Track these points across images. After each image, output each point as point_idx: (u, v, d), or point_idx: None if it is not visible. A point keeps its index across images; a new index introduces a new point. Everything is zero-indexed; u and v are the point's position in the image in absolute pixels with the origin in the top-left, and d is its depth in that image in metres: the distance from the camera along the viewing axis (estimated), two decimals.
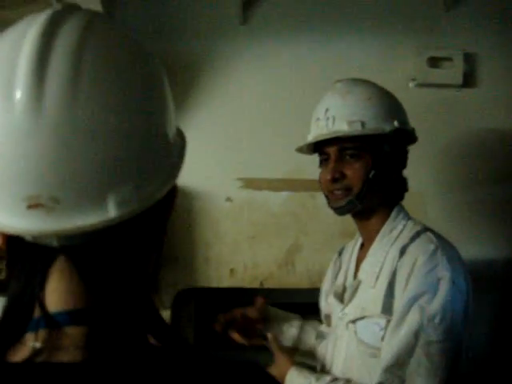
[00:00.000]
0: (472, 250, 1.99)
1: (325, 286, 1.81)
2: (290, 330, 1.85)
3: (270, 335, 1.70)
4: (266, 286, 2.25)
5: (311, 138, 1.60)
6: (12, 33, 0.63)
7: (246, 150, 2.24)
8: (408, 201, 1.64)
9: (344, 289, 1.60)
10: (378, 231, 1.54)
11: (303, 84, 2.28)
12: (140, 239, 0.69)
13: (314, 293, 2.20)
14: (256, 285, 2.25)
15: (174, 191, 0.73)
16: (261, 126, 2.25)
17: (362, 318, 1.46)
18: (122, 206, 0.61)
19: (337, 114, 1.52)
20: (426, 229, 1.50)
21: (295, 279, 2.25)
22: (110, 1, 2.05)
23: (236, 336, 1.78)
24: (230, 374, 0.66)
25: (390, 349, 1.35)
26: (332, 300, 1.66)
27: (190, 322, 2.37)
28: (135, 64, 0.67)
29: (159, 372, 0.64)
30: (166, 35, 2.24)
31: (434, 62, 2.22)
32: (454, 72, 2.20)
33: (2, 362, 0.63)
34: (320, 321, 1.84)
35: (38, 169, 0.58)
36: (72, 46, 0.59)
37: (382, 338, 1.39)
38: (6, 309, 0.66)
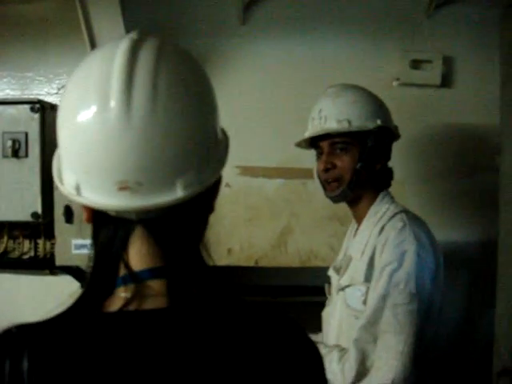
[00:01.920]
0: (446, 233, 2.17)
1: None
2: None
3: None
4: (261, 264, 2.45)
5: (307, 134, 1.83)
6: (101, 55, 0.81)
7: (244, 141, 2.38)
8: (391, 189, 1.84)
9: (341, 263, 1.84)
10: (366, 214, 1.77)
11: (297, 81, 2.46)
12: (196, 213, 0.86)
13: (303, 271, 2.41)
14: (251, 264, 2.44)
15: (220, 179, 0.89)
16: (258, 119, 2.43)
17: (349, 286, 1.70)
18: (187, 188, 0.78)
19: (328, 114, 1.75)
20: (402, 210, 1.71)
21: (287, 259, 2.44)
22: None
23: None
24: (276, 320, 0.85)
25: (365, 311, 1.60)
26: (331, 272, 1.91)
27: None
28: (196, 79, 0.84)
29: (230, 313, 0.82)
30: (170, 34, 2.38)
31: (416, 64, 2.41)
32: (433, 73, 2.39)
33: (100, 313, 0.79)
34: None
35: (127, 160, 0.74)
36: (149, 67, 0.76)
37: (364, 302, 1.62)
38: (95, 269, 0.82)
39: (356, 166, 1.71)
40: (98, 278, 0.82)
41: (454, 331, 2.33)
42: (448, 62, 2.43)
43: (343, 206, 2.35)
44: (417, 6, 2.42)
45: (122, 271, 0.81)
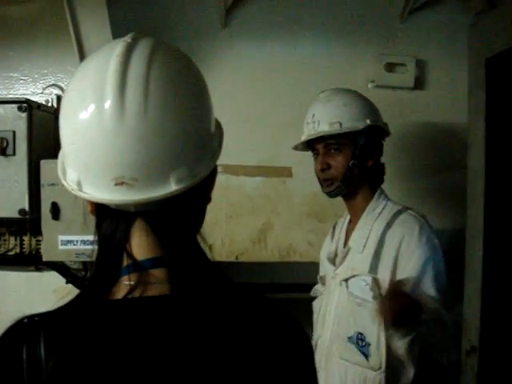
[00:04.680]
0: None
1: (322, 254, 2.11)
2: None
3: None
4: (241, 260, 2.52)
5: (303, 138, 1.95)
6: (97, 58, 0.85)
7: (225, 140, 2.45)
8: None
9: (335, 255, 1.95)
10: (362, 209, 1.89)
11: (276, 83, 2.54)
12: (193, 204, 0.90)
13: (282, 266, 2.48)
14: (232, 259, 2.51)
15: (215, 169, 0.93)
16: (238, 119, 2.48)
17: (353, 276, 1.81)
18: (180, 182, 0.82)
19: (320, 118, 1.87)
20: (406, 208, 1.86)
21: (267, 254, 2.53)
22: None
23: None
24: (268, 309, 0.90)
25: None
26: (326, 263, 2.01)
27: None
28: (188, 79, 0.88)
29: (228, 300, 0.87)
30: (153, 36, 2.45)
31: (390, 67, 2.51)
32: (406, 76, 2.49)
33: (107, 300, 0.84)
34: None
35: (122, 158, 0.79)
36: (141, 70, 0.80)
37: (371, 289, 1.74)
38: (99, 259, 0.87)
39: (349, 163, 1.83)
40: (102, 267, 0.87)
41: None
42: (421, 65, 2.52)
43: (321, 204, 2.45)
44: (391, 12, 2.51)
45: (126, 261, 0.86)
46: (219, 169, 2.51)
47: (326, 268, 2.02)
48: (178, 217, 0.87)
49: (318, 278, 2.11)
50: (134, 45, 0.84)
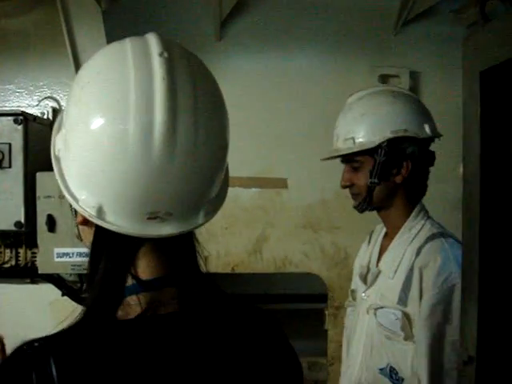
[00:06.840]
0: None
1: (357, 262, 1.95)
2: None
3: None
4: (237, 271, 2.53)
5: (327, 154, 1.77)
6: (135, 75, 0.76)
7: None
8: None
9: (367, 271, 1.78)
10: (398, 226, 1.69)
11: (271, 94, 2.57)
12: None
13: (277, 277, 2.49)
14: (228, 270, 2.52)
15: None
16: (234, 130, 2.46)
17: (382, 307, 1.64)
18: (207, 215, 0.84)
19: (339, 132, 1.70)
20: (441, 233, 1.63)
21: (262, 265, 2.54)
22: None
23: None
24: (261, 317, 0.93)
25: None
26: (357, 279, 1.85)
27: None
28: (223, 107, 0.87)
29: (227, 313, 0.89)
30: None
31: (384, 79, 2.54)
32: (400, 87, 2.48)
33: (117, 320, 0.82)
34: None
35: (164, 193, 0.78)
36: (191, 103, 0.77)
37: (402, 329, 1.56)
38: (104, 280, 0.84)
39: (367, 182, 1.64)
40: (107, 287, 0.84)
41: None
42: (415, 77, 2.56)
43: (316, 215, 2.46)
44: (385, 24, 2.55)
45: (130, 281, 0.85)
46: None
47: (357, 284, 1.86)
48: (185, 240, 0.88)
49: (350, 291, 1.94)
50: (173, 62, 0.78)
